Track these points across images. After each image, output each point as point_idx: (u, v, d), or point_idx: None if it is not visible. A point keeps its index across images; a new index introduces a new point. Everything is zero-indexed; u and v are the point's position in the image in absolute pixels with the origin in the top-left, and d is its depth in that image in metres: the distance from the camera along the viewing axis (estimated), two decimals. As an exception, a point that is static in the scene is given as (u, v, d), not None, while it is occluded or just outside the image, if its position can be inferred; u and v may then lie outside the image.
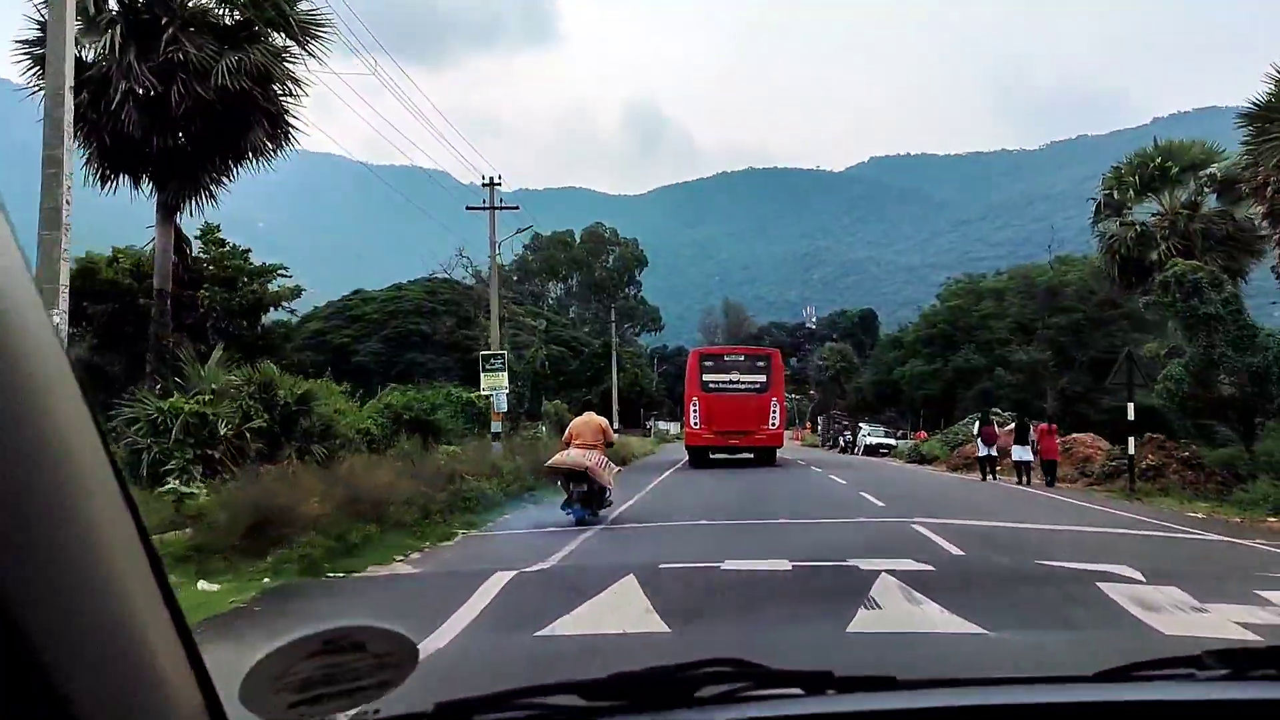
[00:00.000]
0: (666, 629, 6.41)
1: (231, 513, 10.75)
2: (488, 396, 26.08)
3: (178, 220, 16.82)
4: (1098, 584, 7.75)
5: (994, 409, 36.31)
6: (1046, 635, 6.21)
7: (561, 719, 1.32)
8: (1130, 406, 21.51)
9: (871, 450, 50.55)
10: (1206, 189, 28.40)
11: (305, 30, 16.54)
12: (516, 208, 28.49)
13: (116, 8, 15.70)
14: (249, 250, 24.38)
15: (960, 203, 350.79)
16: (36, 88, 14.12)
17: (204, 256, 23.31)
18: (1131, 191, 28.66)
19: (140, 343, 18.37)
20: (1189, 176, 28.51)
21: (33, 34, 15.13)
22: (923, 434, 53.06)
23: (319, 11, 16.77)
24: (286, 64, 16.58)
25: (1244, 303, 23.47)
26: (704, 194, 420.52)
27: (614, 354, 61.79)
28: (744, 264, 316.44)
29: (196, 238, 23.02)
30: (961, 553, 10.18)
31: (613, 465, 14.79)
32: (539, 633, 6.41)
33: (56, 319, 9.94)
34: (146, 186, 16.45)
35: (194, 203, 16.52)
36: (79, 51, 15.85)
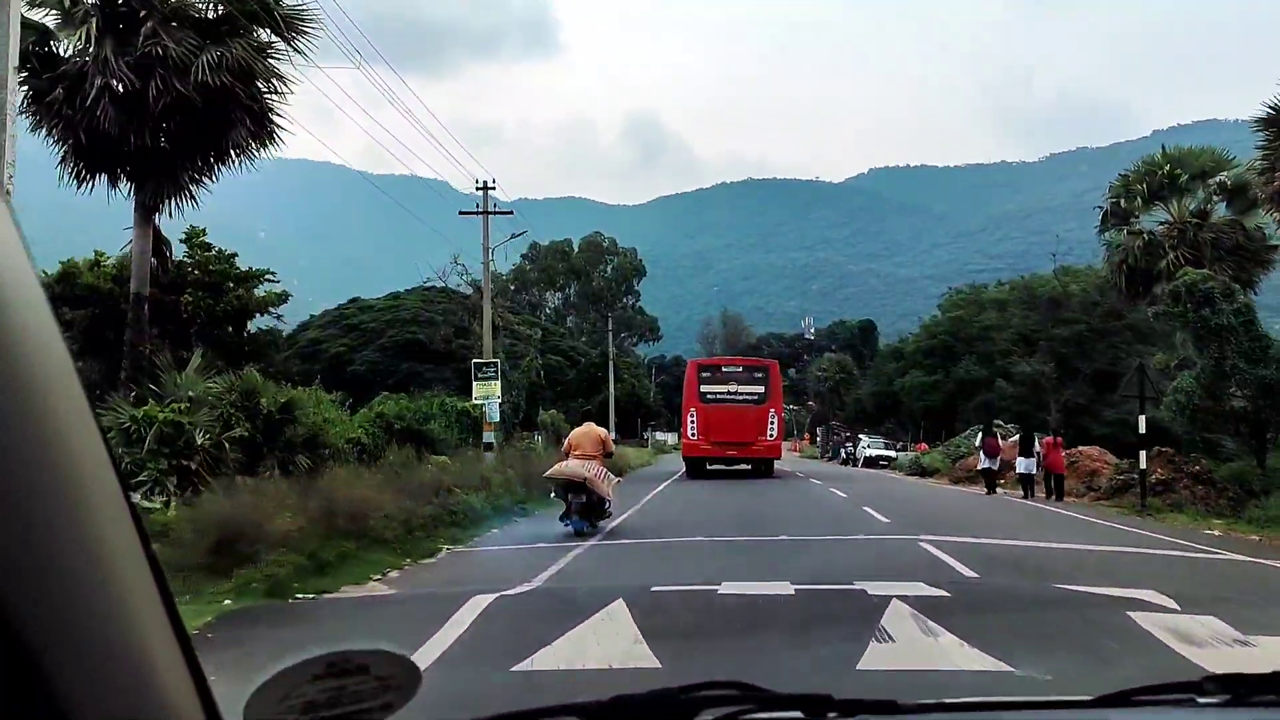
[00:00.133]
0: (657, 663, 5.80)
1: (198, 528, 10.13)
2: (480, 406, 25.46)
3: (157, 221, 16.21)
4: (1128, 613, 7.13)
5: (996, 421, 35.67)
6: (1078, 673, 5.59)
7: None
8: (1142, 419, 20.90)
9: (871, 462, 49.92)
10: (1216, 197, 27.85)
11: (290, 25, 15.97)
12: (510, 212, 27.91)
13: (94, 0, 15.12)
14: (235, 254, 23.77)
15: (960, 215, 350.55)
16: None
17: (189, 261, 22.71)
18: (1139, 200, 28.09)
19: (121, 349, 17.73)
20: (1198, 185, 27.98)
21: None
22: (923, 446, 52.46)
23: (305, 7, 16.18)
24: (271, 60, 16.01)
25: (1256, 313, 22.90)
26: (703, 205, 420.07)
27: (611, 364, 61.16)
28: (743, 275, 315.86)
29: (181, 241, 22.44)
30: (975, 575, 9.55)
31: (612, 476, 14.63)
32: (516, 667, 5.79)
33: None
34: (125, 187, 15.86)
35: (174, 203, 15.92)
36: (54, 46, 15.34)
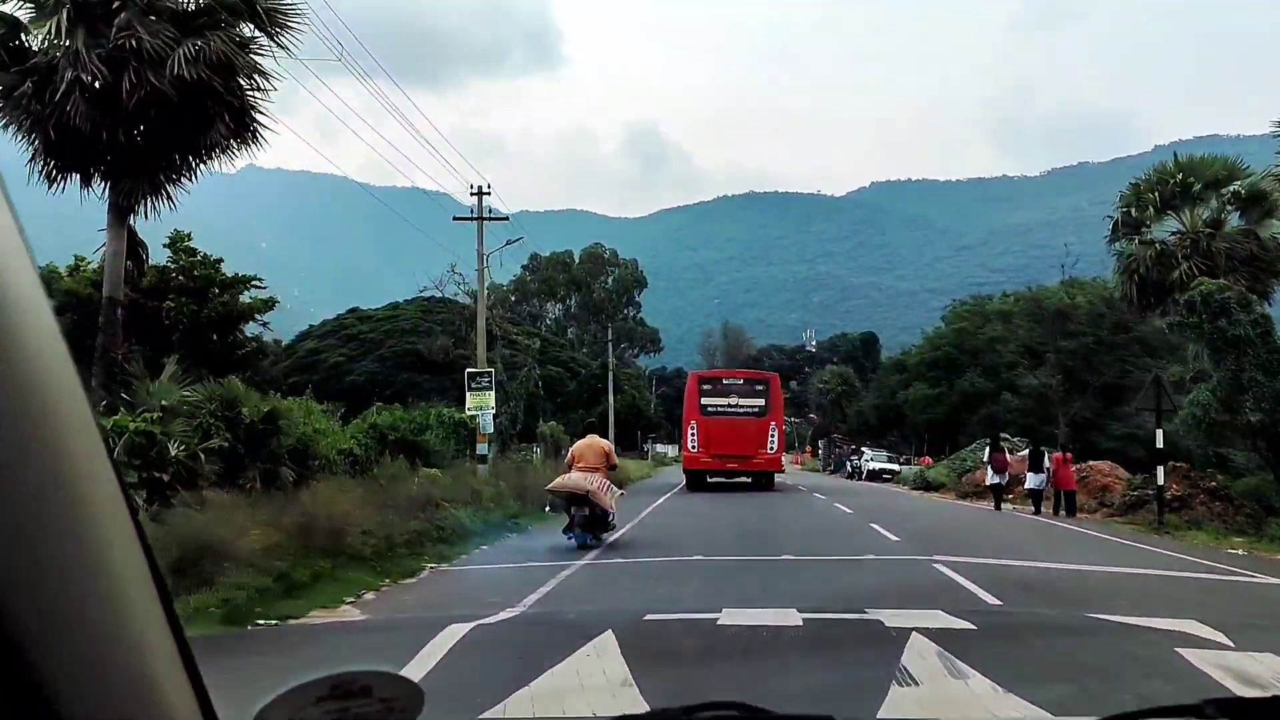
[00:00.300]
0: (646, 706, 5.02)
1: (160, 546, 9.41)
2: (475, 416, 24.73)
3: (133, 223, 15.51)
4: (1177, 649, 6.36)
5: (1003, 435, 34.89)
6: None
7: None
8: (1160, 434, 20.17)
9: (874, 476, 49.16)
10: (1229, 207, 27.17)
11: (273, 20, 15.32)
12: (505, 218, 27.25)
13: (67, -9, 14.45)
14: (221, 260, 23.03)
15: (961, 228, 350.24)
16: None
17: (173, 266, 22.00)
18: (1151, 209, 27.38)
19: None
20: (1211, 194, 27.29)
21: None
22: (927, 459, 51.68)
23: (289, 2, 15.50)
24: (254, 56, 15.35)
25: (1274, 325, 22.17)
26: (705, 217, 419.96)
27: (610, 375, 60.43)
28: (744, 287, 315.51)
29: (165, 246, 21.73)
30: (998, 602, 8.78)
31: (615, 489, 14.47)
32: (486, 714, 5.04)
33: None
34: (99, 187, 15.17)
35: (150, 204, 15.21)
36: (25, 39, 14.69)
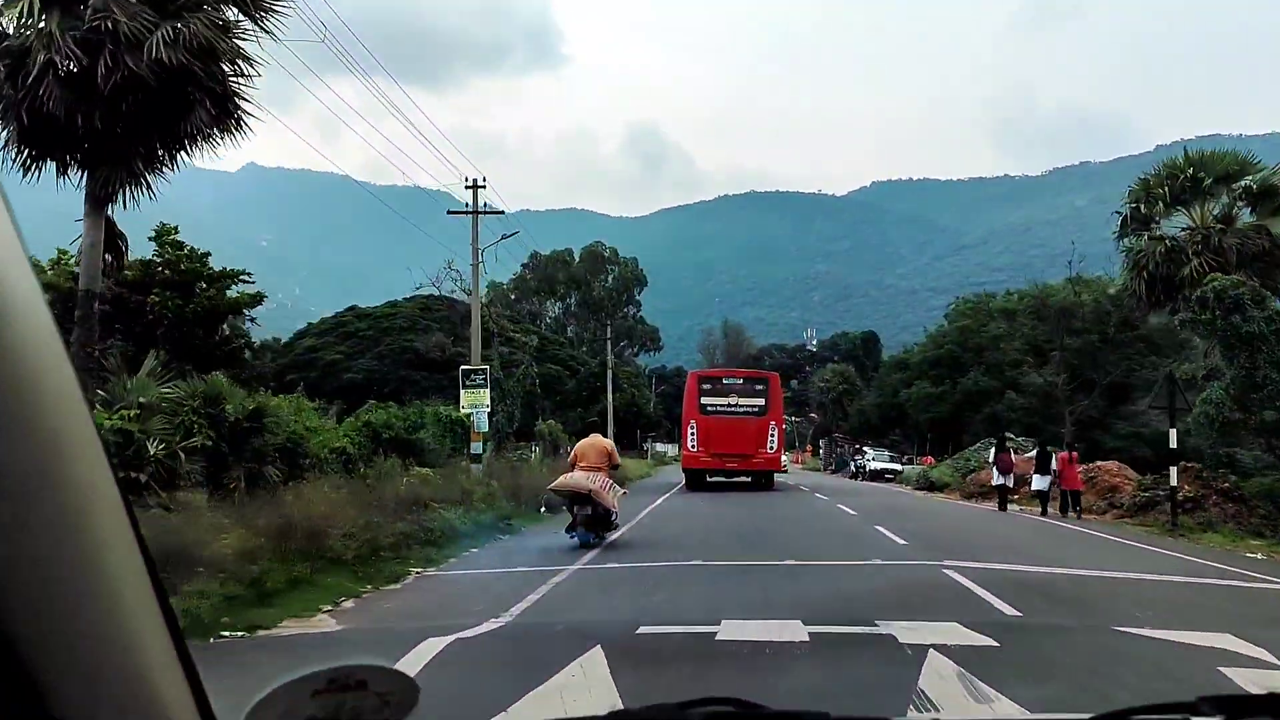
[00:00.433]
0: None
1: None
2: (470, 414, 24.17)
3: (109, 212, 14.92)
4: (1219, 668, 5.82)
5: (1008, 434, 34.28)
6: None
7: None
8: (1173, 433, 19.59)
9: (876, 475, 48.54)
10: (1240, 202, 26.58)
11: (257, 3, 14.74)
12: (501, 212, 26.63)
13: (41, -29, 13.87)
14: (208, 254, 22.41)
15: (961, 228, 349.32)
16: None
17: (158, 259, 21.39)
18: (1161, 204, 26.78)
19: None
20: (1221, 188, 26.69)
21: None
22: (930, 459, 51.10)
23: (276, -17, 14.92)
24: (237, 40, 14.77)
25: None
26: (705, 216, 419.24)
27: (609, 373, 59.86)
28: (745, 286, 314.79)
29: (151, 239, 21.14)
30: (1017, 613, 8.21)
31: (618, 488, 14.64)
32: (455, 747, 4.50)
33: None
34: (76, 176, 14.59)
35: (129, 193, 14.62)
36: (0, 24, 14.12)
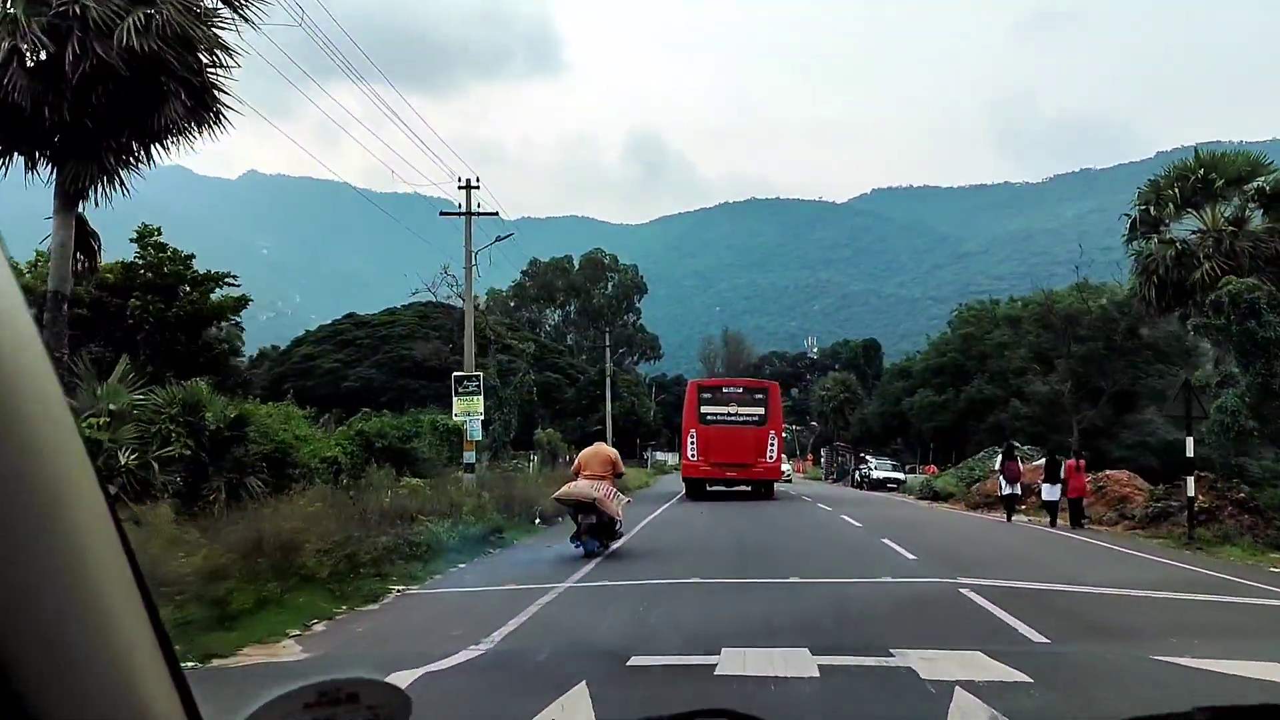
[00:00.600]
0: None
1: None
2: (464, 422, 23.46)
3: (81, 210, 14.26)
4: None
5: (1014, 442, 33.56)
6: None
7: None
8: (1190, 441, 18.90)
9: (878, 485, 47.83)
10: (1253, 204, 25.92)
11: (237, -10, 14.12)
12: (495, 213, 25.97)
13: (8, -44, 13.24)
14: (192, 256, 21.74)
15: (962, 235, 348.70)
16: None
17: (140, 261, 20.69)
18: (1172, 206, 26.12)
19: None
20: (1233, 191, 26.05)
21: None
22: (933, 468, 50.38)
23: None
24: (215, 29, 14.12)
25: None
26: (706, 224, 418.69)
27: (608, 381, 59.18)
28: (745, 294, 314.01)
29: (133, 240, 20.45)
30: (1045, 640, 7.51)
31: (621, 496, 14.76)
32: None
33: None
34: (46, 171, 13.94)
35: (100, 189, 13.96)
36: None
